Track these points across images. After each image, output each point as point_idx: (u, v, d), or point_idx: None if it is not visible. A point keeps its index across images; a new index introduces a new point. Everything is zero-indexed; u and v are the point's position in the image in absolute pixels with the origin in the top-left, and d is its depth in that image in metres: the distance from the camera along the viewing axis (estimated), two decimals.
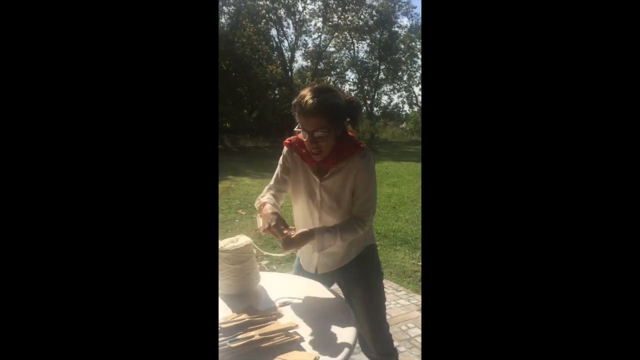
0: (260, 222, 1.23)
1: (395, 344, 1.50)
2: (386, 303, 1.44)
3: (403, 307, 2.62)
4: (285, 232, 1.13)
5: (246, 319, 1.04)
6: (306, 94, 1.18)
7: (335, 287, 1.43)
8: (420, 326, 2.41)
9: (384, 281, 1.47)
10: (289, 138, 1.36)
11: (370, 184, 1.29)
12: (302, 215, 1.37)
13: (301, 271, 1.45)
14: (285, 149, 1.36)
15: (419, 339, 2.26)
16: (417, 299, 2.79)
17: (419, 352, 2.13)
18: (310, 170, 1.32)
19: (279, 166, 1.37)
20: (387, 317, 1.45)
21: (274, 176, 1.37)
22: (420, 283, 2.99)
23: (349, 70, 27.61)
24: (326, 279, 1.40)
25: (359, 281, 1.38)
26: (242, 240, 1.29)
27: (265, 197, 1.29)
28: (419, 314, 2.57)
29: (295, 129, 1.25)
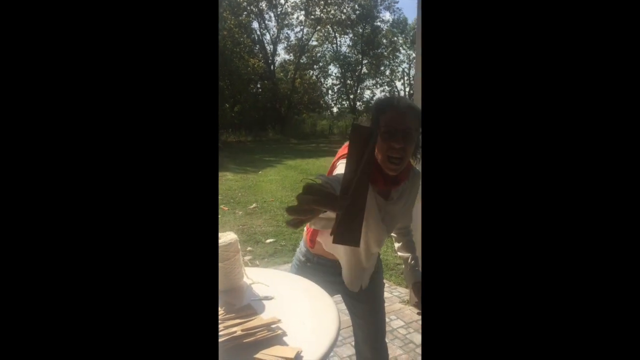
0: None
1: None
2: None
3: (385, 300, 2.66)
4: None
5: (225, 315, 1.03)
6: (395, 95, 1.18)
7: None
8: (402, 318, 2.46)
9: None
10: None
11: None
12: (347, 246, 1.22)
13: (303, 270, 1.37)
14: None
15: (401, 331, 2.30)
16: (400, 291, 2.84)
17: (402, 344, 2.17)
18: (375, 194, 1.14)
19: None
20: None
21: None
22: (402, 276, 3.04)
23: (331, 64, 27.63)
24: (331, 290, 1.31)
25: (369, 295, 1.38)
26: (227, 237, 1.27)
27: None
28: (401, 306, 2.62)
29: (377, 128, 1.03)
